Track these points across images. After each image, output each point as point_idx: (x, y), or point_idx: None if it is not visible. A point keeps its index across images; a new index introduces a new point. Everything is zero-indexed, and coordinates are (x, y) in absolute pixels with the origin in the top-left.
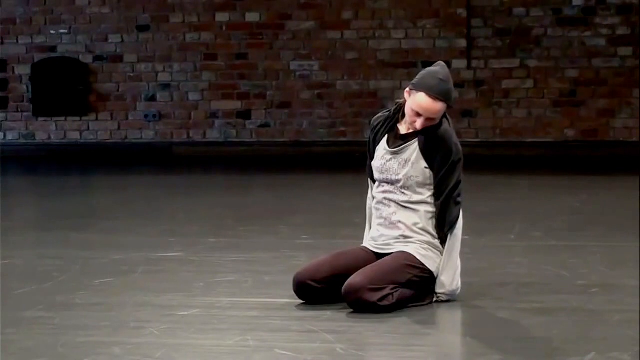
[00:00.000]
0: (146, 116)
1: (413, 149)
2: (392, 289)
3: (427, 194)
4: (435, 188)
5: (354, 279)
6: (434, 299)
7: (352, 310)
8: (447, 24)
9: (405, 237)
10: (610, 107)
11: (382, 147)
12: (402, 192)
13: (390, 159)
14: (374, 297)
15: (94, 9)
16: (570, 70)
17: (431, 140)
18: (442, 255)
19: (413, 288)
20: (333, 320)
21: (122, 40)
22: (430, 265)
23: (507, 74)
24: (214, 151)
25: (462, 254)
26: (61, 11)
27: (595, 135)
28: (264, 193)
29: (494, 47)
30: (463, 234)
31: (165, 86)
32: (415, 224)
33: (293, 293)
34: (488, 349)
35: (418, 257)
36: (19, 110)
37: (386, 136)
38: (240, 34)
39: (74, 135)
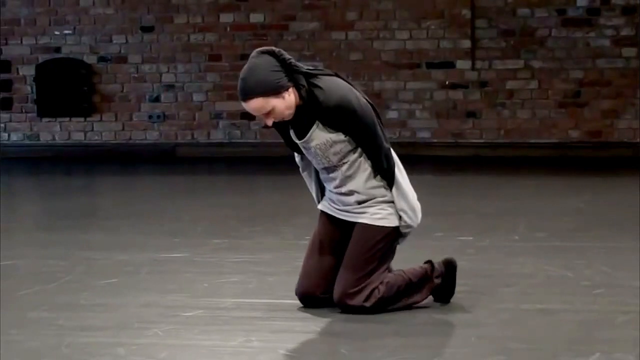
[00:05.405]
0: (150, 117)
1: (320, 130)
2: (372, 287)
3: (361, 156)
4: (359, 148)
5: (335, 291)
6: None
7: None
8: (452, 25)
9: (360, 202)
10: (615, 108)
11: (295, 139)
12: (341, 166)
13: (309, 148)
14: (358, 300)
15: (98, 10)
16: (574, 71)
17: (322, 112)
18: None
19: (390, 256)
20: (337, 321)
21: (126, 41)
22: (391, 222)
23: (512, 75)
24: (218, 152)
25: (466, 254)
26: (65, 12)
27: (600, 136)
28: (268, 194)
29: (498, 47)
30: (467, 235)
31: (170, 87)
32: (364, 186)
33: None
34: (492, 349)
35: (376, 223)
36: (23, 111)
37: (289, 127)
38: (245, 35)
39: (78, 136)
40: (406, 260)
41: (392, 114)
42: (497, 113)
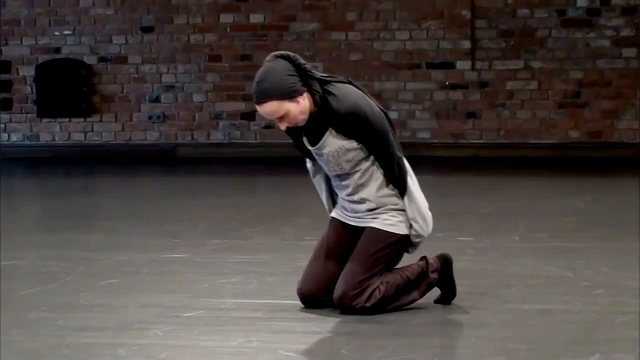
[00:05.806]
0: (150, 117)
1: (333, 137)
2: (373, 288)
3: (373, 164)
4: (372, 156)
5: (337, 290)
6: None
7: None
8: (452, 25)
9: (372, 209)
10: (615, 109)
11: (307, 146)
12: (353, 174)
13: (321, 155)
14: (359, 302)
15: (98, 10)
16: (574, 72)
17: (334, 119)
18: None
19: (395, 262)
20: (338, 322)
21: (126, 42)
22: (401, 230)
23: (512, 75)
24: (218, 152)
25: (466, 254)
26: (65, 12)
27: (600, 137)
28: (268, 194)
29: (498, 48)
30: (467, 235)
31: (170, 87)
32: (376, 195)
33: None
34: (492, 350)
35: (387, 229)
36: (23, 111)
37: (302, 133)
38: (245, 35)
39: (78, 137)
40: (405, 262)
41: (392, 115)
42: (497, 113)
